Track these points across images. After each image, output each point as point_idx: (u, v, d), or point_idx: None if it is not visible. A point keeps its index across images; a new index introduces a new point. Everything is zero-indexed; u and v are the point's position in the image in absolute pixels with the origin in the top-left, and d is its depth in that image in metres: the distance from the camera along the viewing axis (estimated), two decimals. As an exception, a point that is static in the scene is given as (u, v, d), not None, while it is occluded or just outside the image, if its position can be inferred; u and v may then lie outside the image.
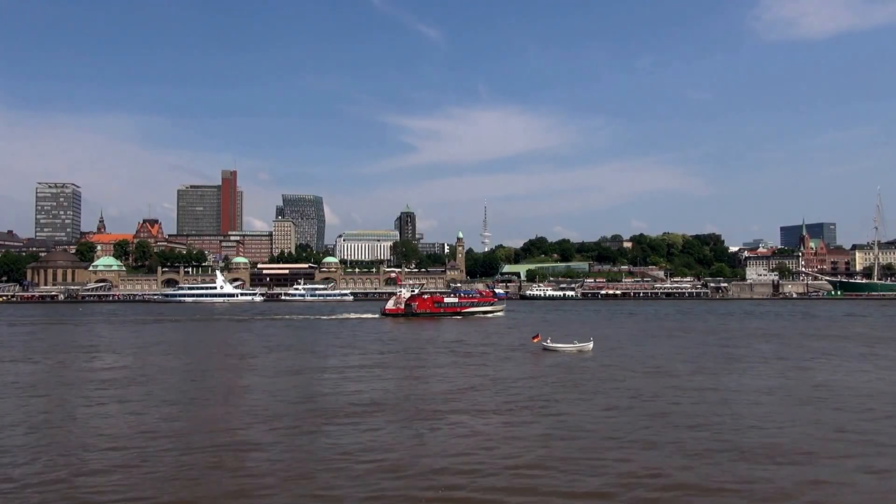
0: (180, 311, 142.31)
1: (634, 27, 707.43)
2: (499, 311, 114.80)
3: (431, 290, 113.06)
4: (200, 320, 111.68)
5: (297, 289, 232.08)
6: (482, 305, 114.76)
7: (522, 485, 19.84)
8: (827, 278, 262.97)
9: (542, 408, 31.37)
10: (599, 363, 47.51)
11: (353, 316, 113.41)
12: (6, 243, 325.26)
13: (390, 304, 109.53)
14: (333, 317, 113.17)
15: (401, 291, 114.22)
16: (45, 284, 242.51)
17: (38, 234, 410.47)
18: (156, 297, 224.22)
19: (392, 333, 78.54)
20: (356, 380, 40.98)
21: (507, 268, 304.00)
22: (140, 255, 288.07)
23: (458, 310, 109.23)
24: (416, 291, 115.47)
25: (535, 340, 56.58)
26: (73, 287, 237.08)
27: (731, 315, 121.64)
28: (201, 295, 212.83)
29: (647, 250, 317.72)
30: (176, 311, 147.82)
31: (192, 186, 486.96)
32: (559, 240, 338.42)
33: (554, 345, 55.03)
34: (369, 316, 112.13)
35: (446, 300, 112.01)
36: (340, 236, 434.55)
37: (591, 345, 54.76)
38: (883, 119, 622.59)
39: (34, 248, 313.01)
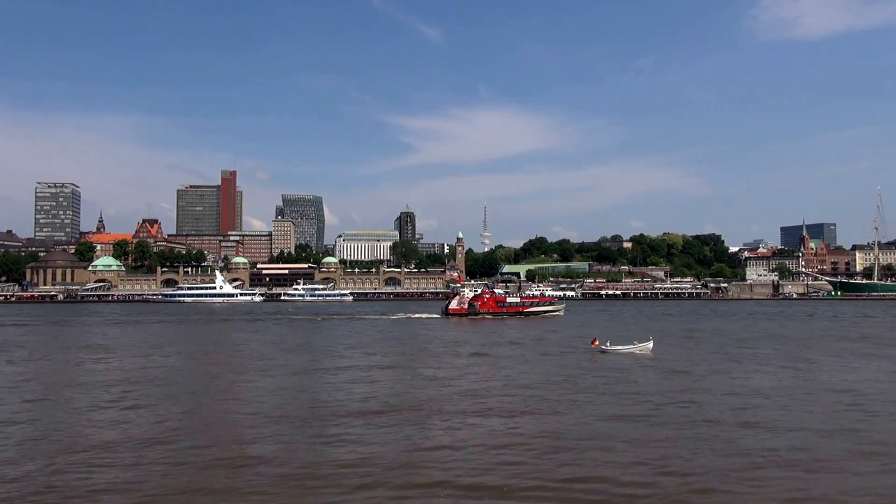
0: (193, 313, 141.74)
1: (634, 27, 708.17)
2: (559, 310, 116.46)
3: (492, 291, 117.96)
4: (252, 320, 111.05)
5: (296, 289, 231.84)
6: (543, 305, 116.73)
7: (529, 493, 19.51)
8: (827, 279, 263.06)
9: (566, 409, 31.04)
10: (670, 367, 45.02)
11: (414, 316, 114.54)
12: (5, 243, 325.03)
13: (454, 304, 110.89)
14: (396, 316, 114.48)
15: (464, 291, 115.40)
16: (45, 284, 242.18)
17: (37, 233, 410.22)
18: (155, 297, 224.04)
19: (463, 334, 77.92)
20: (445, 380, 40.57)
21: (506, 268, 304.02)
22: (139, 255, 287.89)
23: (521, 309, 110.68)
24: (479, 291, 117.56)
25: (595, 345, 54.81)
26: (72, 287, 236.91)
27: (736, 315, 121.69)
28: (201, 295, 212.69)
29: (647, 250, 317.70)
30: (183, 311, 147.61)
31: (191, 186, 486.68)
32: (559, 240, 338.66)
33: (613, 347, 53.31)
34: (432, 316, 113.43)
35: (509, 300, 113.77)
36: (340, 236, 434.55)
37: (650, 345, 53.12)
38: (883, 119, 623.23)
39: (33, 248, 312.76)
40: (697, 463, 21.58)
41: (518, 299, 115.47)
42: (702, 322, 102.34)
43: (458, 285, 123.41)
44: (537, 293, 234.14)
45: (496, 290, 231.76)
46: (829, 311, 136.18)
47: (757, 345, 62.44)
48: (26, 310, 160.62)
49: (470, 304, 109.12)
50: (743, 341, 66.53)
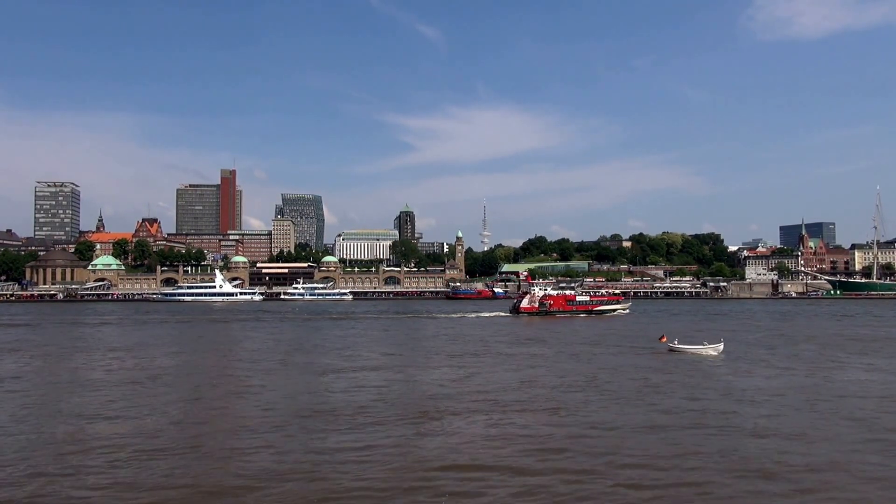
0: (193, 312, 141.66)
1: (632, 26, 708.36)
2: (626, 308, 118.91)
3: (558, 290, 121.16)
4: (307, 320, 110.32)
5: (296, 288, 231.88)
6: (611, 304, 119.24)
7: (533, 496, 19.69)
8: (826, 278, 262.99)
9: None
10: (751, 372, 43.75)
11: (485, 315, 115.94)
12: (5, 242, 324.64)
13: (525, 303, 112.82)
14: (469, 315, 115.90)
15: (534, 290, 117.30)
16: (44, 283, 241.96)
17: (37, 233, 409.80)
18: (155, 296, 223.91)
19: (539, 331, 78.74)
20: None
21: (506, 267, 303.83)
22: (139, 254, 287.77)
23: (590, 308, 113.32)
24: (549, 290, 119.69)
25: (663, 341, 54.48)
26: (72, 286, 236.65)
27: (764, 314, 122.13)
28: (201, 294, 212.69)
29: (646, 250, 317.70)
30: (183, 310, 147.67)
31: (191, 185, 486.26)
32: (558, 239, 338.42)
33: (682, 346, 52.67)
34: (498, 314, 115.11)
35: (578, 298, 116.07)
36: (340, 235, 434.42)
37: (721, 346, 52.30)
38: (881, 118, 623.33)
39: (33, 247, 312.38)
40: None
41: (587, 298, 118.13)
42: (734, 321, 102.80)
43: (530, 284, 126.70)
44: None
45: (496, 290, 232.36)
46: (853, 311, 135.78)
47: (839, 346, 60.68)
48: (26, 309, 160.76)
49: (541, 302, 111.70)
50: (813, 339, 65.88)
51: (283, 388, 37.74)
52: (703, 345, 52.64)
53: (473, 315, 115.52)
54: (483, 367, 46.01)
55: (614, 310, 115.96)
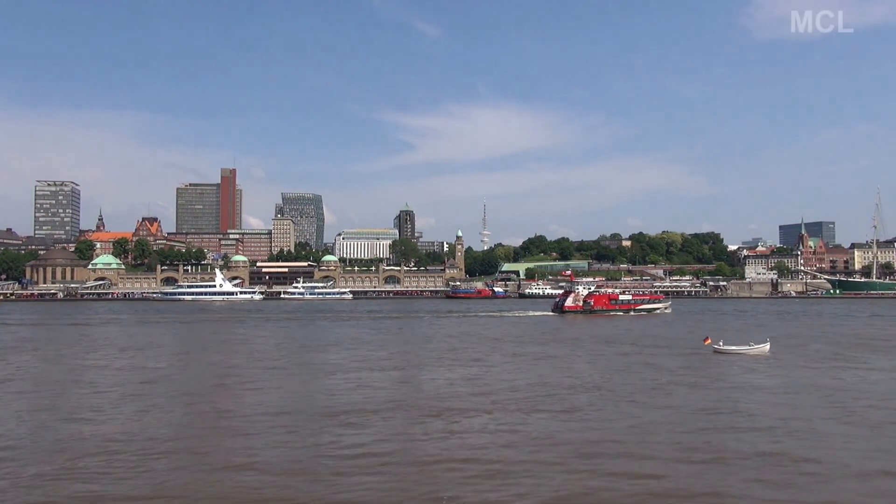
0: (194, 311, 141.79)
1: (631, 25, 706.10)
2: (667, 307, 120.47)
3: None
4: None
5: (296, 287, 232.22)
6: (652, 303, 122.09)
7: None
8: (826, 277, 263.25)
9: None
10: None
11: (530, 313, 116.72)
12: (5, 241, 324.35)
13: (569, 302, 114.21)
14: (512, 314, 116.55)
15: (578, 289, 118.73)
16: (45, 282, 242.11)
17: (36, 232, 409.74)
18: (155, 295, 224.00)
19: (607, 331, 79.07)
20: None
21: (505, 266, 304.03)
22: (139, 253, 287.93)
23: (632, 306, 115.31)
24: (592, 289, 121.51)
25: (707, 343, 53.44)
26: (72, 285, 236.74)
27: (786, 314, 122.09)
28: (201, 293, 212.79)
29: (645, 249, 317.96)
30: (183, 309, 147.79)
31: (191, 185, 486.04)
32: (558, 238, 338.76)
33: (727, 347, 51.85)
34: (541, 313, 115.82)
35: (621, 297, 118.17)
36: (339, 234, 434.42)
37: (767, 346, 51.47)
38: (881, 117, 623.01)
39: (33, 246, 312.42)
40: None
41: (630, 297, 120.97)
42: (745, 320, 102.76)
43: (574, 283, 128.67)
44: (538, 291, 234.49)
45: (496, 289, 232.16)
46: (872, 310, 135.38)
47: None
48: (27, 308, 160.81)
49: (584, 301, 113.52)
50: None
51: (285, 389, 37.82)
52: (749, 345, 51.82)
53: (517, 314, 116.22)
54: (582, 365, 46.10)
55: (656, 309, 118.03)
